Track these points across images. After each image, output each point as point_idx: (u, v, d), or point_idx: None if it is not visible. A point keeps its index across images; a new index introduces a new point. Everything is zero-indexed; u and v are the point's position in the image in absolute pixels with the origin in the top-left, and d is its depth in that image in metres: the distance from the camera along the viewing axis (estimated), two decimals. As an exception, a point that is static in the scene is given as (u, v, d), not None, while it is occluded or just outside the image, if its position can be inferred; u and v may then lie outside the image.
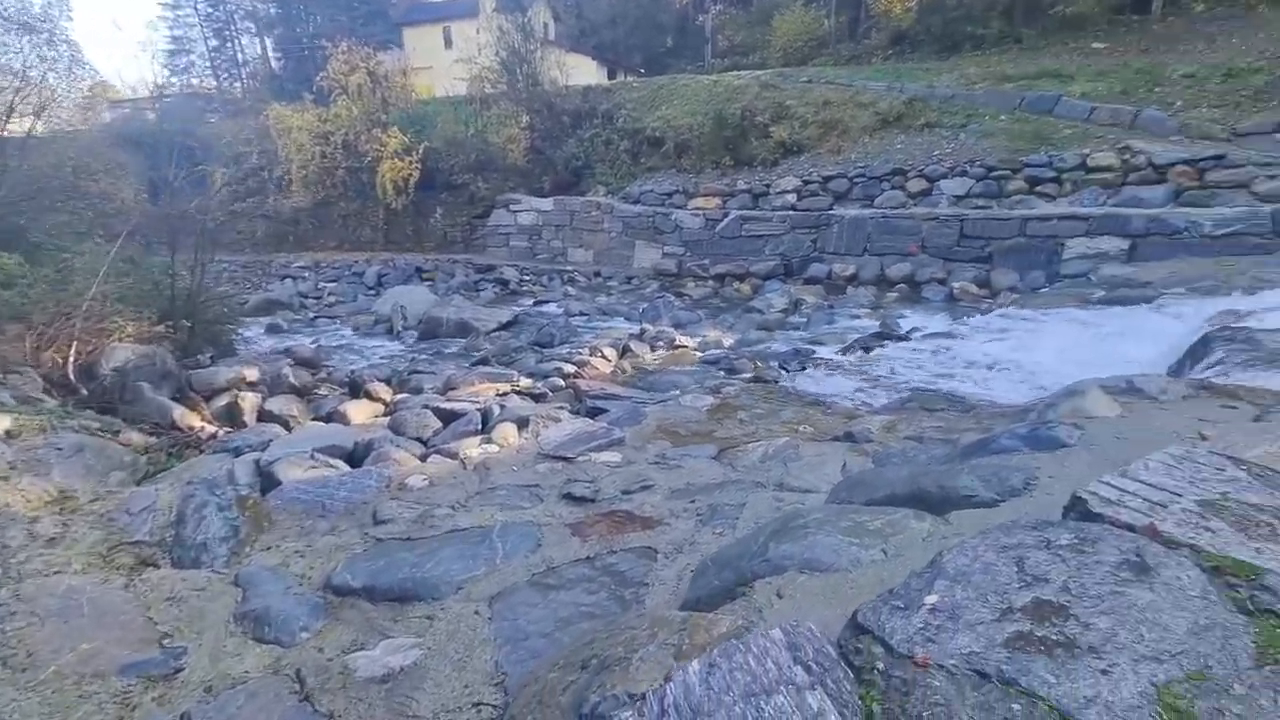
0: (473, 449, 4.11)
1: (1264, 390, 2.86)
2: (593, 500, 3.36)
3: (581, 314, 10.23)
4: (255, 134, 17.76)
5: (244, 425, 4.94)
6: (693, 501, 3.23)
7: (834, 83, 14.02)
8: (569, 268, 13.24)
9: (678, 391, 6.00)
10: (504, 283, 12.75)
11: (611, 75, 23.97)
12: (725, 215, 11.99)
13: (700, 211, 12.31)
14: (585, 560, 2.58)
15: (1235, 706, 0.85)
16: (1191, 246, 7.99)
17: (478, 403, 5.29)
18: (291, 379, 5.91)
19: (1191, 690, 0.88)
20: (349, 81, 16.05)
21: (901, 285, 9.80)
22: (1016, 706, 0.83)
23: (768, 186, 12.01)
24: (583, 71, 20.82)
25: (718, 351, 7.34)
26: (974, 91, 12.11)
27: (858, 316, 8.72)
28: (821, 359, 6.69)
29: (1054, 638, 0.96)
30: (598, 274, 12.86)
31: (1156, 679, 0.89)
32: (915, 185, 10.71)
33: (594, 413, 5.03)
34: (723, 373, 6.66)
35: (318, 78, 16.59)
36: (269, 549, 2.72)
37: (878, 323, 8.14)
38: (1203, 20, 12.19)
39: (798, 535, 1.73)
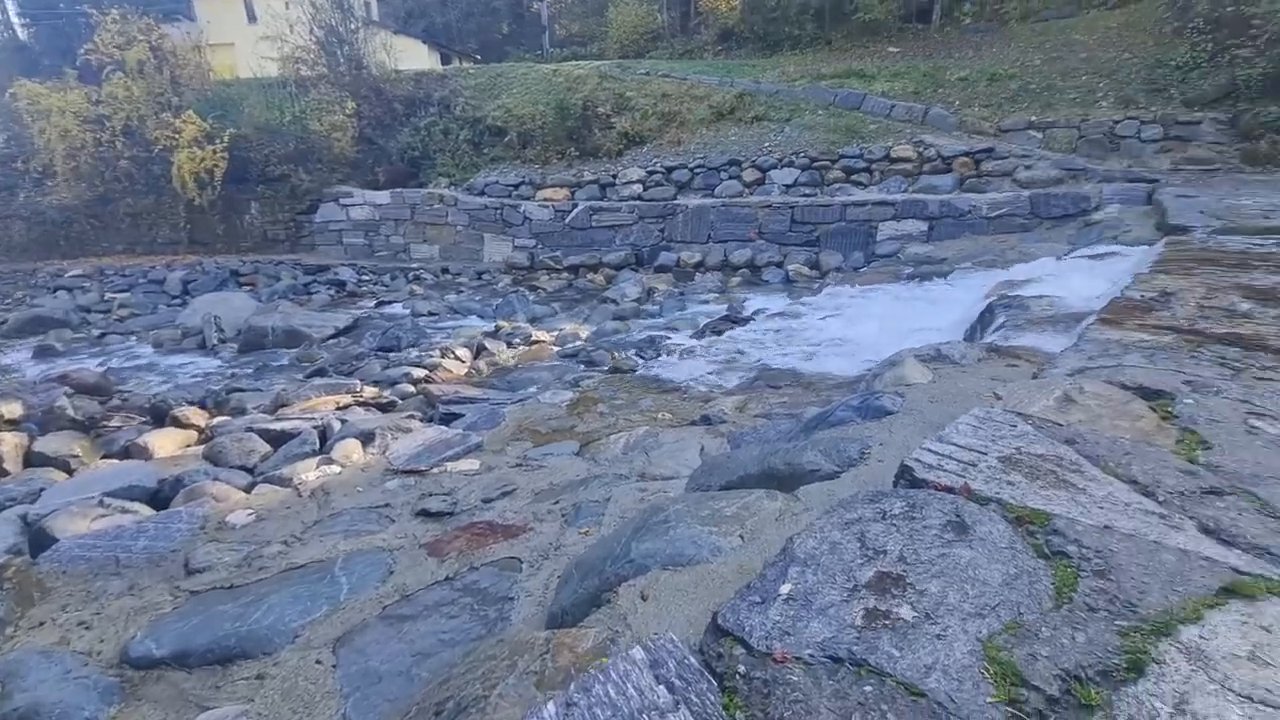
0: (309, 472, 3.70)
1: (1034, 350, 3.36)
2: (451, 514, 3.16)
3: (430, 314, 9.66)
4: (1, 116, 14.62)
5: (4, 474, 4.04)
6: (557, 502, 3.14)
7: (670, 76, 14.42)
8: (413, 265, 12.44)
9: (537, 388, 5.86)
10: (340, 284, 11.68)
11: (445, 61, 22.79)
12: (574, 206, 11.91)
13: (549, 203, 12.12)
14: (444, 581, 2.41)
15: (1044, 649, 0.94)
16: (975, 226, 9.27)
17: (314, 419, 4.77)
18: (71, 411, 4.95)
19: (1010, 640, 0.96)
20: (126, 56, 13.69)
21: (744, 270, 10.36)
22: (868, 688, 0.86)
23: (614, 177, 12.10)
24: (413, 56, 19.56)
25: (576, 344, 7.28)
26: (795, 88, 13.06)
27: (707, 301, 9.09)
28: (676, 345, 6.87)
29: (896, 610, 1.01)
30: (446, 270, 12.22)
31: (981, 634, 0.97)
32: (750, 175, 11.36)
33: (448, 419, 4.75)
34: (582, 365, 6.62)
35: (82, 51, 13.97)
36: (41, 625, 2.22)
37: (725, 306, 8.53)
38: (970, 31, 14.14)
39: (659, 530, 1.71)
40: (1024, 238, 8.77)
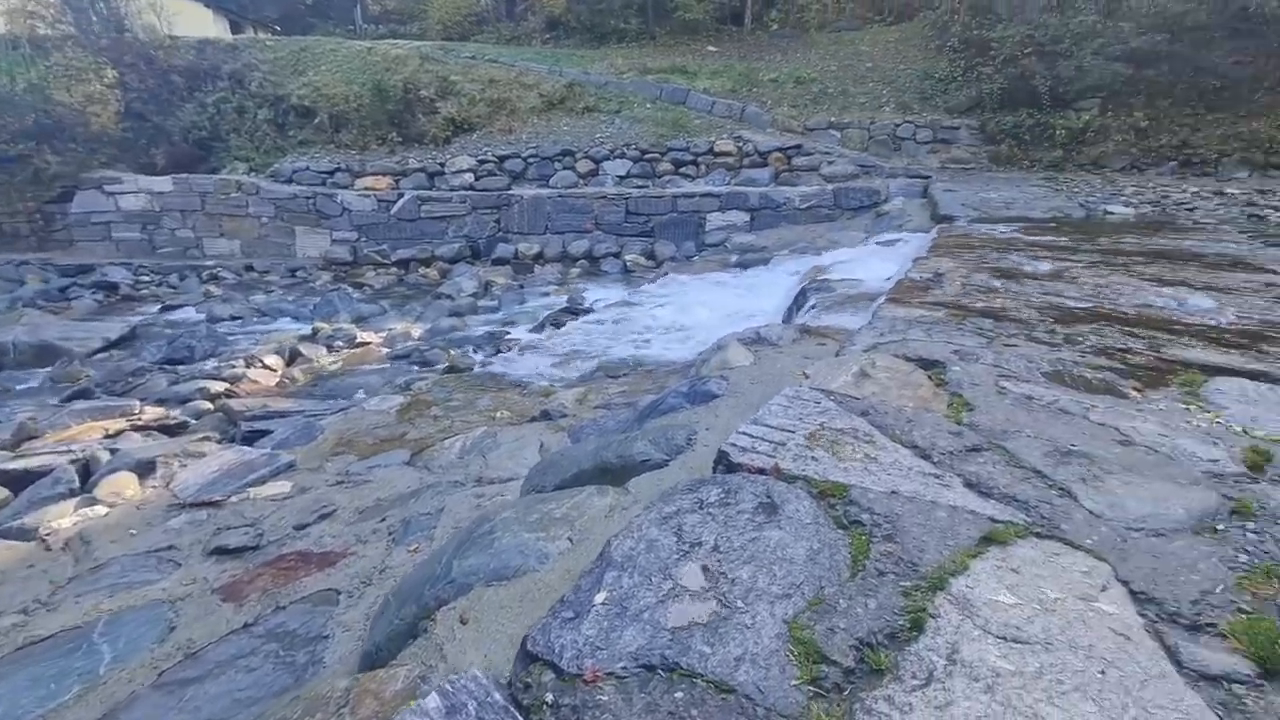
0: (63, 518, 3.04)
1: (839, 328, 3.70)
2: (255, 548, 2.76)
3: (232, 318, 8.47)
4: None
5: None
6: (383, 519, 2.87)
7: (497, 62, 13.92)
8: (209, 263, 10.82)
9: (364, 394, 5.37)
10: (110, 286, 9.84)
11: (236, 29, 20.03)
12: (400, 196, 11.08)
13: (371, 192, 11.15)
14: (243, 629, 2.08)
15: (841, 621, 0.98)
16: (790, 217, 10.08)
17: (73, 453, 3.95)
18: None
19: (813, 617, 0.99)
20: None
21: (583, 261, 10.35)
22: (680, 694, 0.83)
23: (442, 165, 11.44)
24: (193, 21, 16.92)
25: (408, 344, 6.78)
26: (623, 80, 13.25)
27: (547, 294, 8.94)
28: (515, 340, 6.67)
29: (710, 604, 1.00)
30: (250, 268, 10.79)
31: (787, 615, 0.99)
32: (583, 166, 11.34)
33: (253, 437, 4.17)
34: (415, 366, 6.18)
35: None
36: None
37: (565, 298, 8.45)
38: (778, 37, 15.31)
39: (483, 543, 1.60)
40: (830, 227, 9.71)
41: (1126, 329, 2.84)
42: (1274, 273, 4.07)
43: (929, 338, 2.64)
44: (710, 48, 14.95)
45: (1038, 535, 1.20)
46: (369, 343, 6.96)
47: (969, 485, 1.38)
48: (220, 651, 1.95)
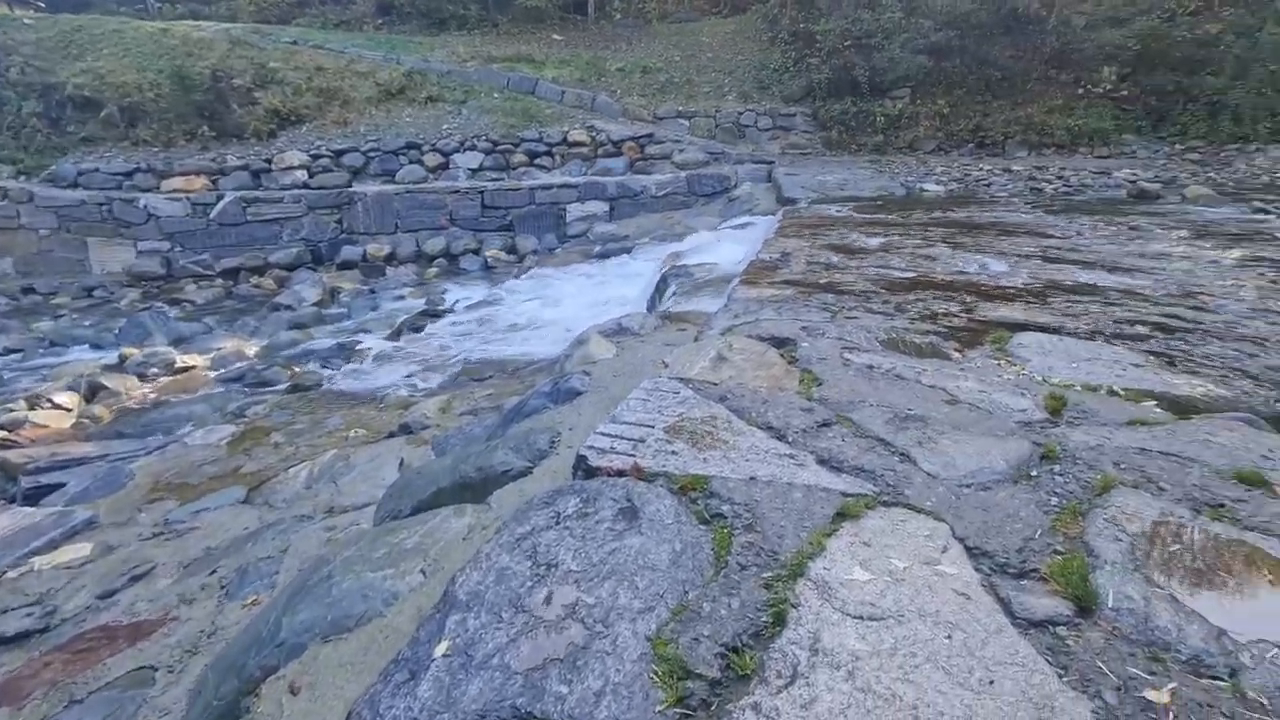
0: None
1: (699, 313, 3.76)
2: (43, 631, 2.29)
3: (8, 351, 7.06)
4: None
5: None
6: (213, 572, 2.49)
7: (324, 48, 12.73)
8: (-30, 287, 8.94)
9: (189, 427, 4.69)
10: None
11: (-14, 5, 16.59)
12: (220, 198, 9.80)
13: (183, 195, 9.75)
14: (24, 737, 1.69)
15: (706, 628, 0.93)
16: (647, 205, 10.20)
17: None
18: None
19: (676, 628, 0.93)
20: None
21: (440, 259, 9.81)
22: (531, 751, 0.73)
23: (268, 162, 10.26)
24: (-79, -7, 13.79)
25: (240, 365, 6.02)
26: (467, 69, 12.66)
27: (403, 297, 8.37)
28: (368, 349, 6.15)
29: (569, 633, 0.91)
30: (30, 290, 9.07)
31: (650, 631, 0.92)
32: (432, 160, 10.71)
33: (38, 494, 3.47)
34: (250, 389, 5.50)
35: None
36: None
37: (424, 300, 7.96)
38: (621, 26, 15.40)
39: (319, 591, 1.39)
40: (687, 213, 9.96)
41: (945, 294, 3.13)
42: (1052, 236, 4.72)
43: (779, 316, 2.73)
44: (555, 36, 14.71)
45: (885, 504, 1.24)
46: (192, 366, 6.10)
47: (821, 462, 1.40)
48: (-11, 773, 1.57)
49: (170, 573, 2.60)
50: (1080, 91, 11.59)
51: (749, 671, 0.85)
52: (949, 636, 0.89)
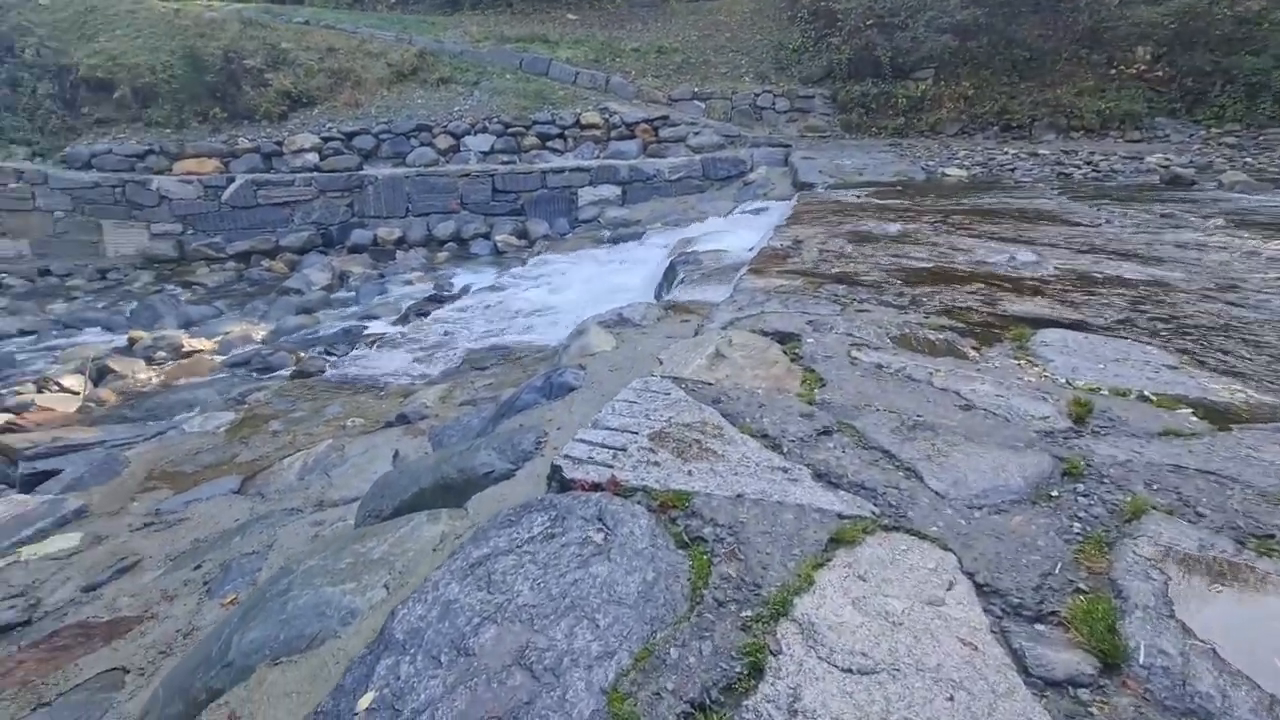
0: None
1: (705, 303, 3.61)
2: (26, 624, 2.25)
3: (23, 333, 7.12)
4: None
5: None
6: (199, 566, 2.43)
7: (336, 28, 12.60)
8: (-12, 268, 9.03)
9: (194, 412, 4.67)
10: None
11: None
12: (232, 180, 9.79)
13: (194, 177, 9.75)
14: (-13, 742, 1.63)
15: (671, 680, 0.81)
16: (661, 189, 10.00)
17: None
18: None
19: (638, 679, 0.82)
20: None
21: (450, 244, 9.72)
22: (448, 840, 0.62)
23: (280, 144, 10.21)
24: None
25: (246, 349, 6.00)
26: (480, 50, 12.47)
27: (411, 282, 8.30)
28: (375, 335, 6.09)
29: (511, 684, 0.80)
30: (46, 272, 9.15)
31: (607, 682, 0.81)
32: (443, 142, 10.58)
33: (35, 480, 3.45)
34: (255, 373, 5.48)
35: None
36: None
37: (432, 285, 7.89)
38: (637, 5, 15.05)
39: (275, 605, 1.30)
40: (700, 198, 9.75)
41: (964, 286, 2.96)
42: (1079, 225, 4.49)
43: (786, 309, 2.58)
44: (570, 15, 14.43)
45: (885, 528, 1.11)
46: (199, 350, 6.09)
47: (818, 476, 1.28)
48: (-52, 781, 1.51)
49: (156, 565, 2.55)
50: (1112, 72, 11.12)
51: (716, 735, 0.74)
52: (950, 698, 0.77)
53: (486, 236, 9.76)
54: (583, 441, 1.40)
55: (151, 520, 2.90)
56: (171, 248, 9.49)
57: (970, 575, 1.00)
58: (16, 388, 5.24)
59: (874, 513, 1.15)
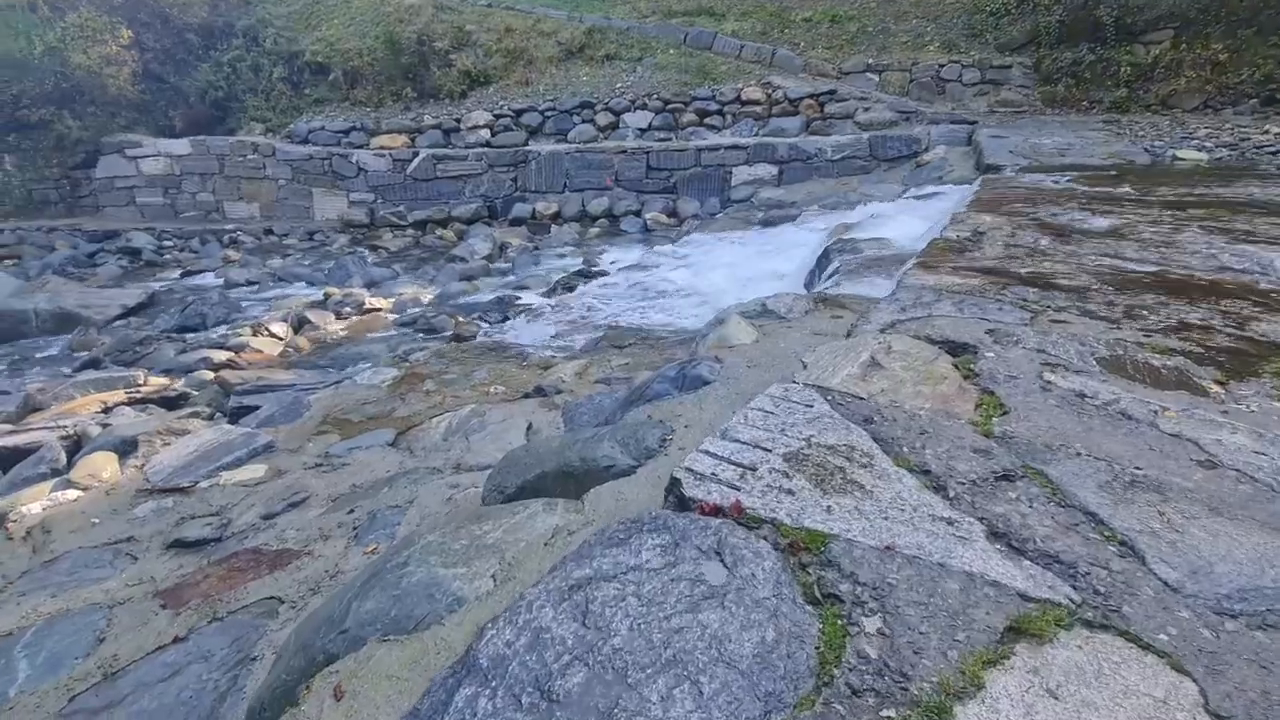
0: (35, 502, 2.92)
1: (862, 298, 3.28)
2: (217, 540, 2.59)
3: (249, 283, 8.39)
4: None
5: None
6: (351, 511, 2.65)
7: (514, 8, 13.25)
8: (229, 226, 10.76)
9: (367, 365, 5.19)
10: (134, 252, 9.87)
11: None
12: (415, 155, 10.75)
13: (386, 151, 10.84)
14: (173, 644, 1.88)
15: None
16: (821, 169, 9.41)
17: (64, 428, 3.86)
18: None
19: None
20: None
21: (602, 220, 9.92)
22: None
23: (458, 121, 11.01)
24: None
25: (415, 310, 6.56)
26: (646, 25, 12.46)
27: (563, 255, 8.59)
28: (524, 305, 6.38)
29: (594, 746, 0.69)
30: (270, 232, 10.70)
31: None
32: (603, 119, 10.77)
33: (240, 413, 4.02)
34: (421, 334, 5.97)
35: None
36: None
37: (581, 260, 8.10)
38: (814, -29, 14.14)
39: (391, 578, 1.32)
40: (864, 179, 9.03)
41: (1200, 299, 2.37)
42: (1382, 227, 3.46)
43: (960, 313, 2.23)
44: (740, -14, 13.91)
45: (1089, 625, 0.85)
46: (378, 308, 6.77)
47: (995, 536, 1.03)
48: (141, 673, 1.76)
49: (320, 504, 2.83)
50: None
51: None
52: None
53: (638, 214, 9.83)
54: (708, 454, 1.26)
55: (321, 461, 3.24)
56: (364, 214, 10.66)
57: (1215, 717, 0.73)
58: (239, 331, 6.17)
59: (1072, 599, 0.90)
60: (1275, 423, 1.48)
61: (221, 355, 5.40)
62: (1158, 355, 1.87)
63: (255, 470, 3.12)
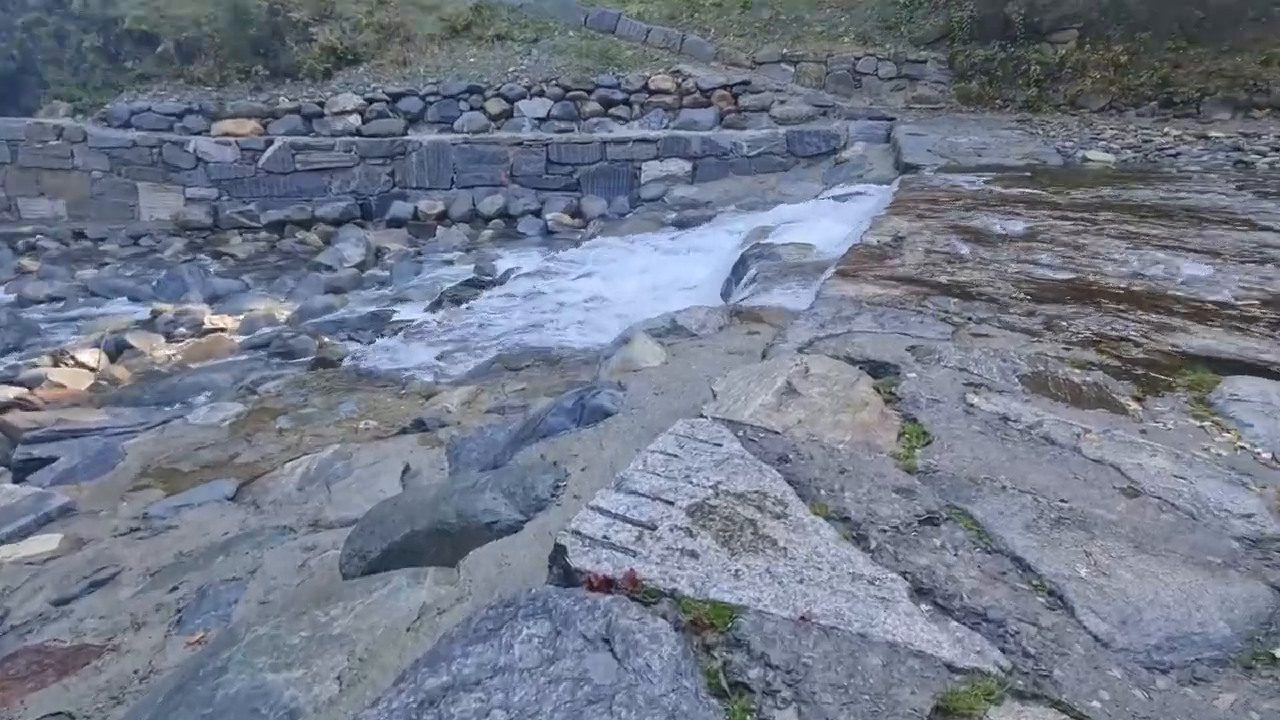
0: None
1: (779, 309, 3.34)
2: (-15, 640, 2.24)
3: (51, 300, 7.56)
4: None
5: None
6: (175, 588, 2.38)
7: (389, -22, 12.85)
8: (25, 229, 9.67)
9: (205, 399, 4.77)
10: (-112, 263, 8.66)
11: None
12: (270, 143, 10.13)
13: (232, 139, 10.14)
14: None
15: None
16: (736, 166, 9.69)
17: None
18: None
19: None
20: None
21: (496, 220, 9.74)
22: None
23: (321, 106, 10.49)
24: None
25: (268, 330, 6.13)
26: (542, 2, 12.44)
27: (451, 262, 8.34)
28: (404, 322, 6.10)
29: None
30: (81, 235, 9.73)
31: None
32: (495, 106, 10.60)
33: (30, 467, 3.55)
34: (275, 359, 5.57)
35: None
36: None
37: (472, 267, 7.89)
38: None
39: (203, 692, 1.16)
40: (783, 177, 9.38)
41: (1116, 307, 2.58)
42: (1269, 229, 3.93)
43: (881, 328, 2.30)
44: (645, -35, 14.20)
45: (1019, 695, 0.85)
46: (221, 329, 6.27)
47: (918, 593, 1.02)
48: None
49: (134, 580, 2.52)
50: (1313, 36, 9.97)
51: None
52: None
53: (537, 214, 9.72)
54: (600, 511, 1.19)
55: (138, 525, 2.90)
56: (205, 214, 9.90)
57: (1156, 797, 0.73)
58: (34, 359, 5.51)
59: (1001, 666, 0.89)
60: (1191, 441, 1.60)
61: (9, 392, 4.79)
62: (1077, 370, 1.99)
63: (46, 542, 2.75)
